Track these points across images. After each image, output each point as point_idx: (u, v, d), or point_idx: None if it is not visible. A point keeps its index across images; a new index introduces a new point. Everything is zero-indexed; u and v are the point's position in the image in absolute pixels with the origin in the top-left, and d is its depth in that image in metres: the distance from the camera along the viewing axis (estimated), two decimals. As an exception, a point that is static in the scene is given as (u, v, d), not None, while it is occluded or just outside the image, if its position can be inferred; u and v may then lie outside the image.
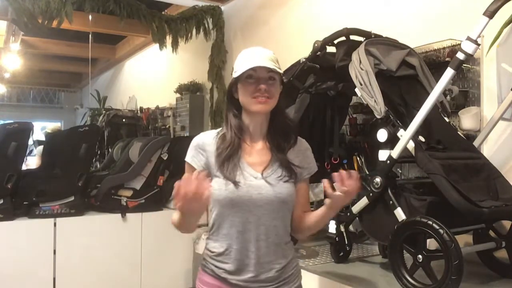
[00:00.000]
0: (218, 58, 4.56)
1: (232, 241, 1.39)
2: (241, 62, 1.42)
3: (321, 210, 1.43)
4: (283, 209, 1.43)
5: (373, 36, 2.17)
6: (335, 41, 2.19)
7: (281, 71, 1.44)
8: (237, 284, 1.39)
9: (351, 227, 2.30)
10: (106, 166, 4.05)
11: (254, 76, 1.39)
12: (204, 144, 1.45)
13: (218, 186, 1.38)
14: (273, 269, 1.41)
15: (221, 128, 1.50)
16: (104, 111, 5.95)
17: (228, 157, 1.40)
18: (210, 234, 1.47)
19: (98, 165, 4.93)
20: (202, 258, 1.50)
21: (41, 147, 5.20)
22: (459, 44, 1.86)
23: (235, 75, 1.42)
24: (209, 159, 1.42)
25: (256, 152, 1.46)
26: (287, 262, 1.45)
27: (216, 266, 1.42)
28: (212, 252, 1.44)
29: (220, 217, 1.41)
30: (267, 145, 1.47)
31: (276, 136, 1.47)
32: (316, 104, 2.47)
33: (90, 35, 5.84)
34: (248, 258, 1.38)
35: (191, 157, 1.45)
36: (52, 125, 6.01)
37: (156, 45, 4.77)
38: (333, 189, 1.34)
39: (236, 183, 1.37)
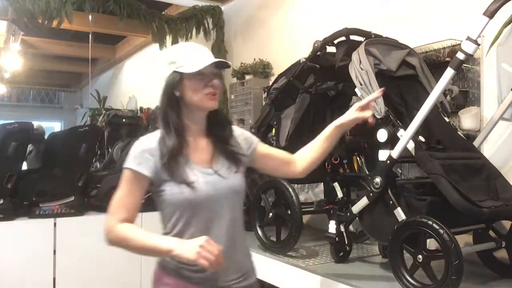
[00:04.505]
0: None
1: None
2: (188, 58, 1.38)
3: (325, 133, 1.53)
4: (237, 199, 1.45)
5: (373, 36, 2.17)
6: (335, 41, 2.19)
7: (231, 65, 1.47)
8: (201, 282, 1.36)
9: (351, 227, 2.30)
10: (106, 166, 4.04)
11: (205, 72, 1.38)
12: (151, 148, 1.37)
13: (172, 190, 1.34)
14: (236, 263, 1.41)
15: (160, 130, 1.42)
16: (104, 111, 5.94)
17: (174, 159, 1.35)
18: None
19: (98, 165, 4.92)
20: (158, 260, 1.45)
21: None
22: (459, 44, 1.87)
23: (184, 70, 1.36)
24: (156, 163, 1.35)
25: (201, 150, 1.43)
26: (246, 255, 1.49)
27: (178, 267, 1.37)
28: None
29: (181, 221, 1.37)
30: (209, 140, 1.46)
31: (215, 128, 1.47)
32: (316, 104, 2.47)
33: (90, 35, 5.83)
34: None
35: (137, 164, 1.35)
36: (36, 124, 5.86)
37: (156, 45, 4.77)
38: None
39: (190, 184, 1.33)
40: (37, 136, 3.47)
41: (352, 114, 1.52)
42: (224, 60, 1.44)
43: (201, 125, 1.46)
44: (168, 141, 1.36)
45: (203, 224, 1.36)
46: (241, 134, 1.55)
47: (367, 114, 1.50)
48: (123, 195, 1.37)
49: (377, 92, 1.58)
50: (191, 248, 1.21)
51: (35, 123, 3.56)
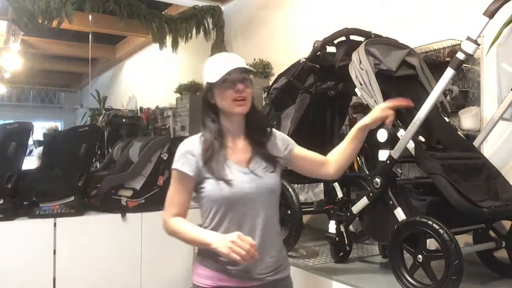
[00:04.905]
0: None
1: None
2: (214, 68, 1.48)
3: (351, 134, 1.56)
4: (273, 198, 1.54)
5: (373, 36, 2.17)
6: (335, 41, 2.19)
7: (254, 70, 1.55)
8: (236, 274, 1.45)
9: (351, 227, 2.30)
10: (106, 166, 4.04)
11: (229, 79, 1.46)
12: (192, 149, 1.50)
13: (212, 187, 1.46)
14: (269, 258, 1.49)
15: (201, 133, 1.55)
16: (104, 111, 5.94)
17: (212, 158, 1.46)
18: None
19: (98, 165, 4.93)
20: (197, 252, 1.55)
21: (40, 148, 5.19)
22: (459, 44, 1.86)
23: (210, 80, 1.48)
24: (198, 162, 1.48)
25: (239, 150, 1.53)
26: (280, 251, 1.55)
27: (214, 260, 1.46)
28: None
29: (217, 216, 1.47)
30: (248, 141, 1.55)
31: (254, 132, 1.56)
32: (316, 104, 2.47)
33: (90, 35, 5.83)
34: None
35: (181, 164, 1.49)
36: (48, 125, 5.94)
37: (156, 45, 4.77)
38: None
39: (228, 182, 1.44)
40: (53, 137, 3.47)
41: (377, 113, 1.54)
42: (241, 66, 1.48)
43: (239, 128, 1.55)
44: (207, 143, 1.49)
45: (237, 219, 1.46)
46: (278, 136, 1.63)
47: (390, 112, 1.54)
48: (173, 193, 1.53)
49: (407, 101, 1.60)
50: (224, 243, 1.33)
51: (52, 124, 3.57)
